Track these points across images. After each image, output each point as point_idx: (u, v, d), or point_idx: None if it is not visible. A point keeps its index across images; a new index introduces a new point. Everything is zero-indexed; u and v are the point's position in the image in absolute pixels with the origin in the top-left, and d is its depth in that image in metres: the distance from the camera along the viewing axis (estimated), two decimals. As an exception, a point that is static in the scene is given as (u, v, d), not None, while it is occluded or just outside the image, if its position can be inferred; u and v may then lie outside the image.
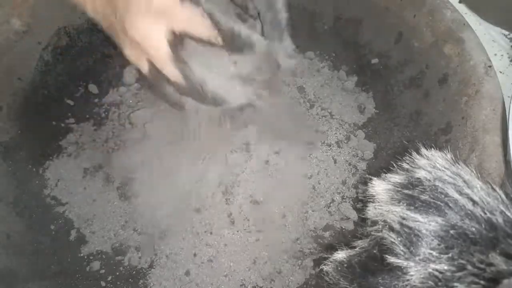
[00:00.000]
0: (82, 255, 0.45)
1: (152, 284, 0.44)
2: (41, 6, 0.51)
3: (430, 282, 0.25)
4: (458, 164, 0.29)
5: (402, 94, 0.52)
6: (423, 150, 0.29)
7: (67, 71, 0.56)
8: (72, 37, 0.56)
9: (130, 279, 0.44)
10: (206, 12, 0.34)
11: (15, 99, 0.50)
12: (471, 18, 0.58)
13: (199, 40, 0.36)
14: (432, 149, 0.29)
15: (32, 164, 0.50)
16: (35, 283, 0.41)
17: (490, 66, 0.41)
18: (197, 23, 0.34)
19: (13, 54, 0.49)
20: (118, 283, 0.44)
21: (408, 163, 0.29)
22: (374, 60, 0.56)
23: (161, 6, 0.33)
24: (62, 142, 0.53)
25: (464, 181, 0.27)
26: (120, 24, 0.36)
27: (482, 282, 0.24)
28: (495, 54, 0.56)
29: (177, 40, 0.35)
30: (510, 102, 0.37)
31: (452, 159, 0.29)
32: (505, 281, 0.23)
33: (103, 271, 0.44)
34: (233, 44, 0.36)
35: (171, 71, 0.36)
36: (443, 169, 0.27)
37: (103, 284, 0.43)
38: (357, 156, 0.52)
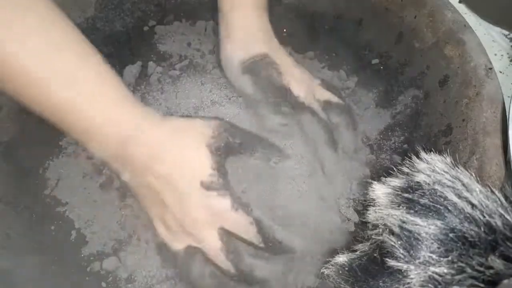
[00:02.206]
0: (82, 255, 0.45)
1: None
2: (41, 6, 0.51)
3: (430, 285, 0.25)
4: (457, 167, 0.29)
5: (402, 94, 0.52)
6: (423, 154, 0.29)
7: (67, 71, 0.56)
8: (72, 37, 0.55)
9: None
10: (255, 220, 0.38)
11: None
12: (471, 18, 0.58)
13: (243, 241, 0.38)
14: (432, 152, 0.30)
15: (32, 164, 0.50)
16: (35, 283, 0.41)
17: (490, 68, 0.41)
18: (244, 229, 0.38)
19: (13, 54, 0.49)
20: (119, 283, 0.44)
21: (407, 167, 0.30)
22: (375, 61, 0.56)
23: (216, 208, 0.37)
24: (62, 142, 0.53)
25: (463, 185, 0.27)
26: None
27: (481, 285, 0.24)
28: (495, 54, 0.56)
29: (228, 236, 0.38)
30: (510, 102, 0.37)
31: (452, 162, 0.29)
32: (505, 281, 0.23)
33: (103, 271, 0.44)
34: (273, 251, 0.39)
35: (221, 261, 0.38)
36: (442, 172, 0.28)
37: (103, 285, 0.43)
38: (358, 157, 0.52)
